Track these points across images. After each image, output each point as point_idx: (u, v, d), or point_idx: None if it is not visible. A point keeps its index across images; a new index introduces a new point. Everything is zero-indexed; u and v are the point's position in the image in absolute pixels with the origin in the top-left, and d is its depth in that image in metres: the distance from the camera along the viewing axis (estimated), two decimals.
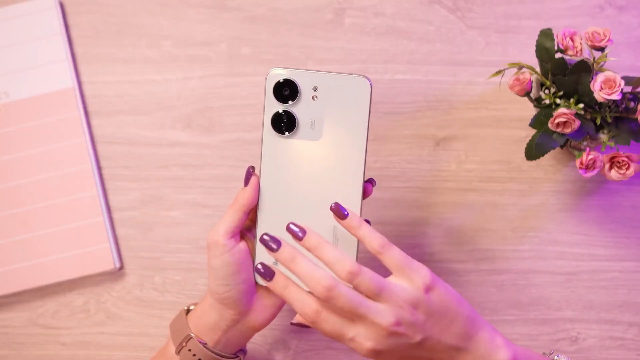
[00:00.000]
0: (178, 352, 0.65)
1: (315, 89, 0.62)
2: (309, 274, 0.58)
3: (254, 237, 0.65)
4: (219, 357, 0.65)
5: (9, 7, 0.79)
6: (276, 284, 0.60)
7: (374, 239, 0.59)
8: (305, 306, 0.58)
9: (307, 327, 0.61)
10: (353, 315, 0.58)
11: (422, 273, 0.59)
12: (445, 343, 0.59)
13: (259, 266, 0.61)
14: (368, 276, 0.58)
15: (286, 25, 0.80)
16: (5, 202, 0.77)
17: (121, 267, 0.77)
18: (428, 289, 0.59)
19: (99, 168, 0.78)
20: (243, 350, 0.69)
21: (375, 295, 0.58)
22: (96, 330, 0.77)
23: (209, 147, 0.78)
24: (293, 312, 0.76)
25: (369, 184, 0.63)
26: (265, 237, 0.60)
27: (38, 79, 0.78)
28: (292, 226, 0.60)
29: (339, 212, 0.60)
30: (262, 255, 0.64)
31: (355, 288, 0.58)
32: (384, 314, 0.57)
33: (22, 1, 0.80)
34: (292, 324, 0.62)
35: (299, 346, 0.76)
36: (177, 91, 0.79)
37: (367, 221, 0.63)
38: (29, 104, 0.78)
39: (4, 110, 0.78)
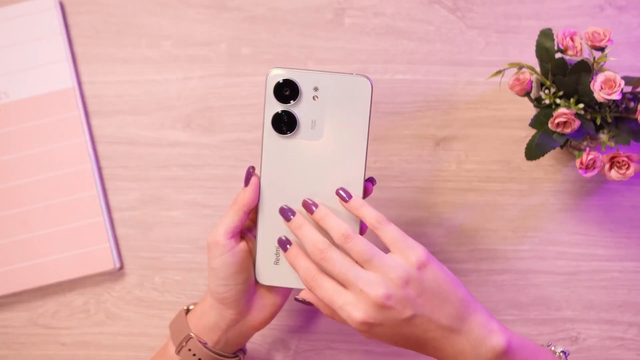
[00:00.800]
0: (178, 352, 0.65)
1: (315, 89, 0.62)
2: (309, 237, 0.61)
3: (254, 237, 0.65)
4: (219, 357, 0.65)
5: (9, 7, 0.79)
6: (289, 253, 0.62)
7: (372, 216, 0.61)
8: (305, 271, 0.61)
9: (309, 304, 0.63)
10: (344, 282, 0.59)
11: (417, 250, 0.59)
12: (437, 322, 0.59)
13: (283, 238, 0.63)
14: (360, 241, 0.60)
15: (286, 25, 0.80)
16: (5, 202, 0.77)
17: (121, 267, 0.77)
18: (422, 267, 0.59)
19: (99, 168, 0.78)
20: (243, 350, 0.69)
21: (365, 261, 0.59)
22: (96, 330, 0.77)
23: (209, 147, 0.78)
24: (293, 312, 0.76)
25: (369, 183, 0.64)
26: (284, 207, 0.63)
27: (38, 79, 0.78)
28: (307, 200, 0.63)
29: (343, 195, 0.62)
30: (263, 255, 0.64)
31: (348, 252, 0.60)
32: (373, 284, 0.58)
33: (22, 1, 0.80)
34: (296, 299, 0.64)
35: (299, 346, 0.76)
36: (177, 91, 0.79)
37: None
38: (29, 104, 0.78)
39: (4, 110, 0.78)
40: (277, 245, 0.64)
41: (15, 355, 0.77)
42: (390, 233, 0.60)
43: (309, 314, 0.76)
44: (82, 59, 0.80)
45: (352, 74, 0.62)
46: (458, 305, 0.59)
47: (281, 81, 0.62)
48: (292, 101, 0.62)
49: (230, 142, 0.78)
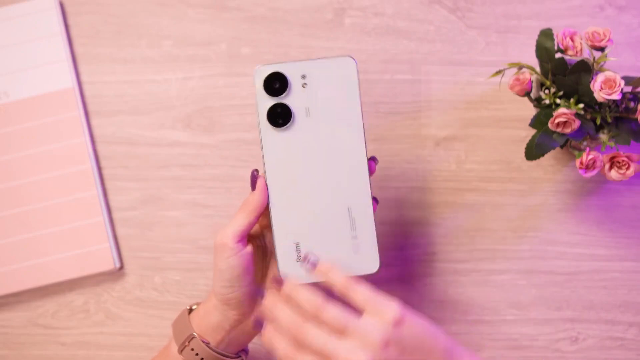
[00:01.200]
0: (181, 351, 0.65)
1: (303, 77, 0.63)
2: (282, 316, 0.60)
3: (263, 238, 0.66)
4: (221, 357, 0.65)
5: (9, 7, 0.79)
6: (264, 337, 0.61)
7: (340, 280, 0.60)
8: (284, 352, 0.59)
9: None
10: (325, 355, 0.57)
11: (391, 307, 0.57)
12: None
13: (258, 319, 0.63)
14: (333, 310, 0.58)
15: (286, 25, 0.80)
16: (5, 202, 0.77)
17: (121, 267, 0.77)
18: (398, 324, 0.57)
19: (99, 168, 0.78)
20: (245, 350, 0.69)
21: (341, 330, 0.57)
22: (96, 330, 0.77)
23: (208, 147, 0.78)
24: None
25: (372, 162, 0.64)
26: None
27: (38, 79, 0.78)
28: (274, 277, 0.64)
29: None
30: (284, 253, 0.64)
31: (325, 323, 0.58)
32: (353, 352, 0.56)
33: (22, 1, 0.80)
34: None
35: None
36: (177, 91, 0.79)
37: (375, 199, 0.64)
38: (29, 104, 0.78)
39: (4, 110, 0.78)
40: (295, 241, 0.64)
41: (15, 355, 0.77)
42: (361, 293, 0.59)
43: None
44: (82, 59, 0.80)
45: (335, 56, 0.63)
46: (441, 357, 0.58)
47: (269, 75, 0.62)
48: (283, 93, 0.63)
49: (230, 142, 0.78)
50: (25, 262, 0.76)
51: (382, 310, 0.57)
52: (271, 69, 0.63)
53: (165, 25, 0.80)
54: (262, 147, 0.63)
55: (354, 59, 0.63)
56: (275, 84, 0.63)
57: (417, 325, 0.58)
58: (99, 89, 0.80)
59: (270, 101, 0.63)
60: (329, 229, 0.64)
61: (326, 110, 0.63)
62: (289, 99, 0.63)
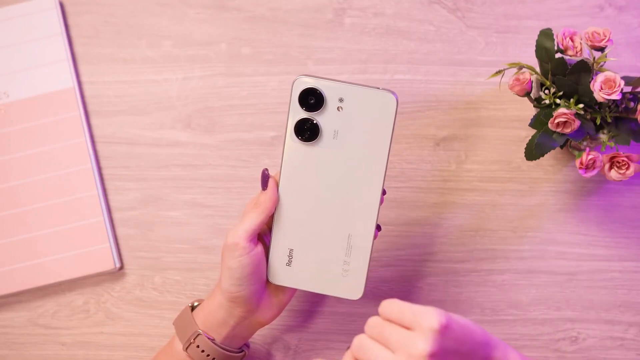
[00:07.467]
0: (186, 348, 0.66)
1: (340, 100, 0.62)
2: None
3: (269, 242, 0.66)
4: (227, 353, 0.66)
5: (9, 7, 0.79)
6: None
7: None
8: None
9: None
10: None
11: (431, 316, 0.55)
12: None
13: None
14: (388, 328, 0.56)
15: (286, 25, 0.80)
16: (5, 202, 0.77)
17: (121, 267, 0.77)
18: (439, 332, 0.54)
19: (99, 168, 0.78)
20: (247, 345, 0.70)
21: (389, 345, 0.55)
22: (96, 330, 0.77)
23: (209, 147, 0.78)
24: (293, 312, 0.76)
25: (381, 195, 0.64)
26: None
27: (38, 79, 0.78)
28: None
29: None
30: (276, 255, 0.66)
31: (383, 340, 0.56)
32: None
33: (22, 1, 0.80)
34: None
35: (299, 346, 0.76)
36: (177, 91, 0.79)
37: (379, 227, 0.65)
38: (29, 104, 0.78)
39: (4, 110, 0.78)
40: (290, 247, 0.65)
41: (15, 355, 0.77)
42: (397, 307, 0.57)
43: (309, 313, 0.76)
44: (82, 59, 0.80)
45: (378, 88, 0.62)
46: (480, 352, 0.56)
47: (307, 89, 0.62)
48: (316, 110, 0.62)
49: (230, 142, 0.78)
50: (25, 262, 0.76)
51: (423, 320, 0.55)
52: (311, 83, 0.62)
53: (165, 25, 0.80)
54: (282, 155, 0.64)
55: (395, 97, 0.62)
56: (311, 99, 0.62)
57: (457, 329, 0.56)
58: (99, 89, 0.80)
59: (302, 114, 0.63)
60: (324, 248, 0.65)
61: (354, 139, 0.63)
62: (320, 117, 0.63)
